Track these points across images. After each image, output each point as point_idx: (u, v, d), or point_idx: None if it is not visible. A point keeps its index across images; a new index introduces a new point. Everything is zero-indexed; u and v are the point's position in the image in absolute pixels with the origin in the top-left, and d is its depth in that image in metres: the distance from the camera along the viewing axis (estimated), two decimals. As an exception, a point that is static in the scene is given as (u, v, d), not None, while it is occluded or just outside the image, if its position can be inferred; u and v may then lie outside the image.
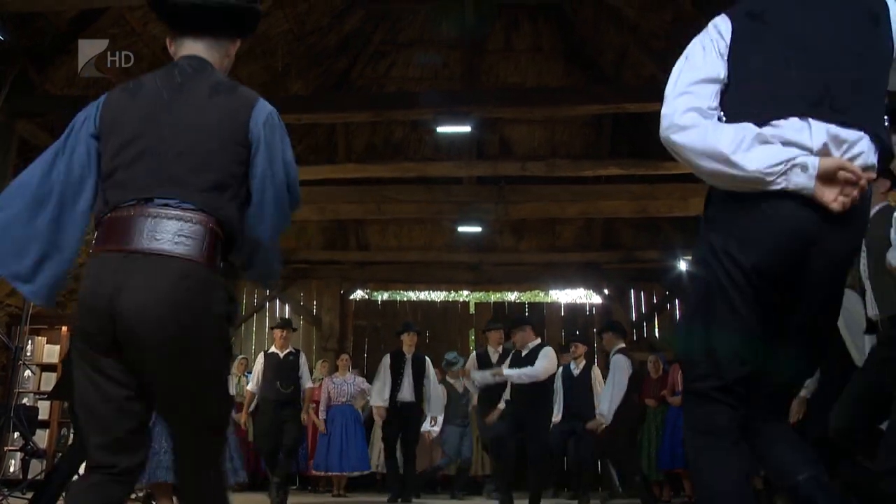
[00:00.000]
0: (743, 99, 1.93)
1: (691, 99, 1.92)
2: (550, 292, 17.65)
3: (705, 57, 1.99)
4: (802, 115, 1.85)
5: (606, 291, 12.55)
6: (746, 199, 1.87)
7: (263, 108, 2.08)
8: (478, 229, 11.16)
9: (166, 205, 1.92)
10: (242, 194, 2.05)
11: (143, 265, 1.86)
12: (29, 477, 7.57)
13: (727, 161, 1.82)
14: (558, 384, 8.46)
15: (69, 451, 5.01)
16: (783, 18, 1.97)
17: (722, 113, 1.94)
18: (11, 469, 8.45)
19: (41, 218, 2.01)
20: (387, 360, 8.12)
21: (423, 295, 15.36)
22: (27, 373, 8.80)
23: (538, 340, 6.77)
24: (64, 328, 8.93)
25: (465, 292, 15.43)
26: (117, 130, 2.02)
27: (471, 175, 10.36)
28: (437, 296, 16.59)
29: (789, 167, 1.82)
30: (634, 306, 12.58)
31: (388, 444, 8.08)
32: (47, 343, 9.08)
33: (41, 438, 8.25)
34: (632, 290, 12.58)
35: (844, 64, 1.91)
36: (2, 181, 7.12)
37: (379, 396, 7.99)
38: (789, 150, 1.83)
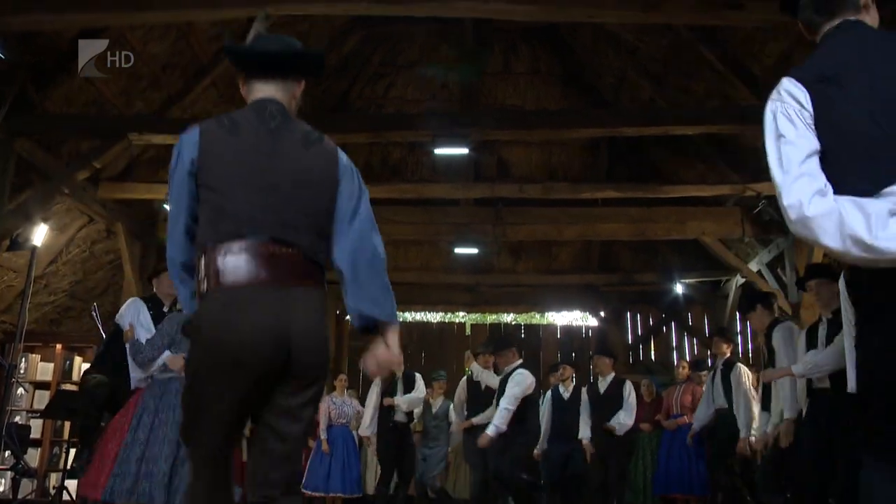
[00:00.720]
0: (844, 169, 1.85)
1: (809, 182, 1.84)
2: (547, 314, 17.65)
3: (797, 131, 1.90)
4: None
5: (603, 314, 12.55)
6: None
7: (342, 158, 2.36)
8: (475, 251, 11.16)
9: (284, 244, 2.14)
10: (330, 235, 2.29)
11: (293, 296, 2.12)
12: (19, 496, 7.50)
13: (871, 249, 1.75)
14: (547, 406, 8.43)
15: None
16: (858, 78, 1.90)
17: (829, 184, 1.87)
18: (1, 488, 8.38)
19: None
20: (377, 382, 8.07)
21: (420, 316, 15.33)
22: (20, 391, 8.76)
23: (518, 362, 6.73)
24: (58, 346, 8.90)
25: (462, 314, 15.43)
26: (219, 167, 2.19)
27: (468, 197, 10.38)
28: (434, 317, 16.59)
29: None
30: (631, 329, 12.57)
31: (385, 466, 8.00)
32: (41, 361, 9.04)
33: (33, 457, 8.19)
34: (628, 313, 12.58)
35: None
36: (0, 199, 7.14)
37: (371, 423, 7.93)
38: None
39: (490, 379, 7.31)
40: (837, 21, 2.08)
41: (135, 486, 4.16)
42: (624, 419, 7.60)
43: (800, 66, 2.03)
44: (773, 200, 8.82)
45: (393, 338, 2.27)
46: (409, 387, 8.03)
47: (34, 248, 7.40)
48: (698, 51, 7.99)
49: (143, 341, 4.69)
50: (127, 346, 4.76)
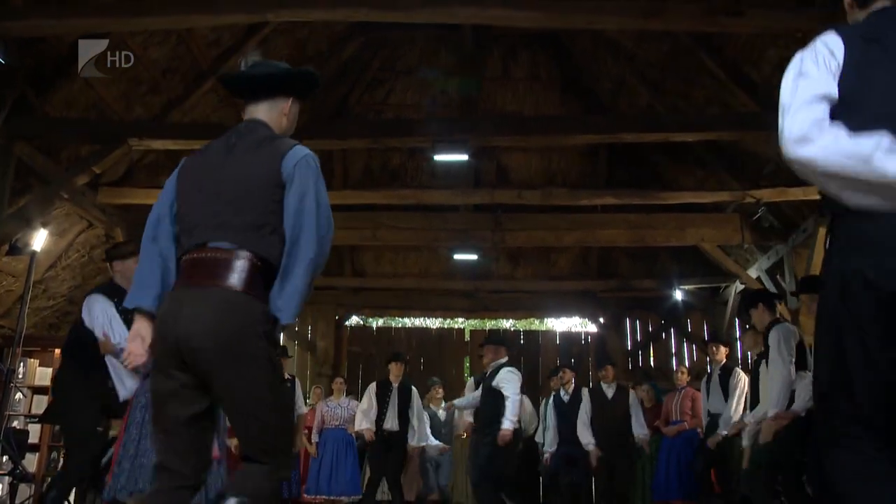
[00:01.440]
0: (864, 121, 1.82)
1: (814, 112, 1.84)
2: (546, 320, 17.64)
3: (819, 73, 1.90)
4: None
5: (602, 320, 12.54)
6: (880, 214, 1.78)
7: (297, 152, 2.43)
8: (474, 257, 11.16)
9: (216, 248, 2.36)
10: (281, 230, 2.38)
11: (193, 296, 2.31)
12: (17, 502, 7.48)
13: (867, 162, 1.74)
14: (550, 411, 8.43)
15: (59, 476, 4.95)
16: None
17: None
18: None
19: None
20: (373, 387, 8.08)
21: (419, 322, 15.32)
22: (18, 395, 8.74)
23: (505, 359, 6.74)
24: (57, 351, 8.87)
25: (461, 320, 15.40)
26: (184, 188, 2.52)
27: (467, 203, 10.38)
28: (433, 323, 16.57)
29: None
30: (630, 335, 12.56)
31: (373, 472, 8.03)
32: (40, 365, 9.02)
33: (31, 462, 8.17)
34: (627, 319, 12.57)
35: None
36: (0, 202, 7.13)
37: (365, 418, 7.92)
38: None
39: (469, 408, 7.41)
40: (880, 5, 2.08)
41: (129, 481, 4.17)
42: (641, 431, 7.83)
43: (843, 26, 2.03)
44: (772, 207, 8.84)
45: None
46: (403, 397, 8.00)
47: (33, 253, 7.40)
48: (698, 57, 8.00)
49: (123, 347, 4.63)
50: (108, 358, 4.56)
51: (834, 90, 1.88)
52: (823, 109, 1.85)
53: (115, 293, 4.74)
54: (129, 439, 4.32)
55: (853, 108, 1.86)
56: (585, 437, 7.79)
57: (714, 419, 7.12)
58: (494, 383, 6.52)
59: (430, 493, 9.05)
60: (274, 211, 2.37)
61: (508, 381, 6.48)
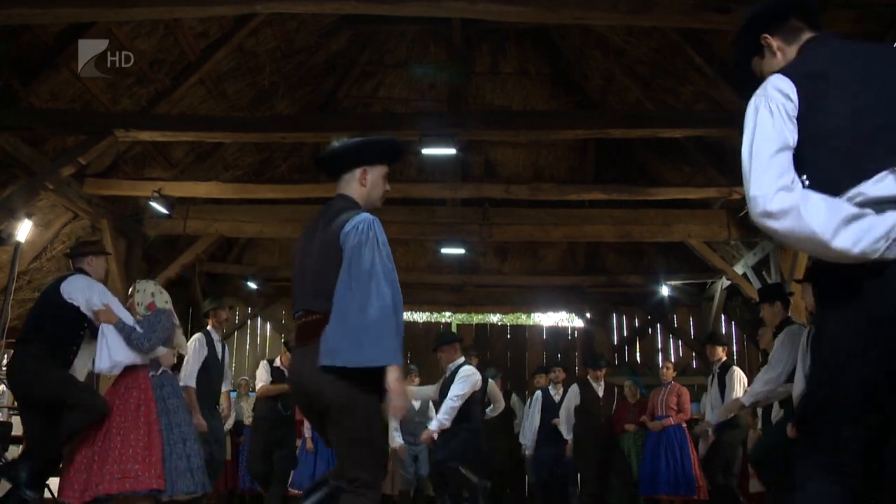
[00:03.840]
0: (823, 161, 1.88)
1: (776, 176, 1.85)
2: (533, 315, 17.68)
3: (774, 123, 1.92)
4: (892, 167, 1.80)
5: (588, 315, 12.59)
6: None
7: (351, 223, 2.74)
8: (461, 251, 11.16)
9: (309, 313, 2.81)
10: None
11: (302, 352, 2.80)
12: (0, 494, 7.42)
13: (827, 248, 1.78)
14: (536, 407, 8.46)
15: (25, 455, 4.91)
16: (846, 74, 1.93)
17: (805, 177, 1.89)
18: (-17, 486, 8.31)
19: None
20: None
21: (406, 315, 15.31)
22: (1, 387, 8.68)
23: (461, 359, 6.67)
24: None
25: (448, 314, 15.43)
26: (292, 264, 3.02)
27: (455, 197, 10.38)
28: (420, 317, 16.59)
29: (892, 240, 1.76)
30: (616, 330, 12.61)
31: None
32: (24, 358, 8.95)
33: (14, 455, 8.10)
34: (614, 315, 12.62)
35: None
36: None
37: None
38: (887, 219, 1.77)
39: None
40: (806, 36, 2.12)
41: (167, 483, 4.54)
42: None
43: (785, 67, 2.06)
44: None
45: None
46: None
47: (18, 244, 7.35)
48: (686, 53, 8.03)
49: (131, 325, 4.74)
50: (104, 328, 4.71)
51: (792, 137, 1.91)
52: (784, 168, 1.87)
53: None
54: (171, 441, 4.65)
55: (816, 147, 1.90)
56: (566, 429, 7.83)
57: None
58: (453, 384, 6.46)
59: (410, 486, 9.05)
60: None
61: (457, 381, 6.41)
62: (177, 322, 5.22)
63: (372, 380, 2.64)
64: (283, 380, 7.11)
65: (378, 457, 2.77)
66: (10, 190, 7.62)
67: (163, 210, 8.90)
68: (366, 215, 2.76)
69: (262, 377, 7.38)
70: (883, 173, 1.80)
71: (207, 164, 10.10)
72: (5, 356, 8.37)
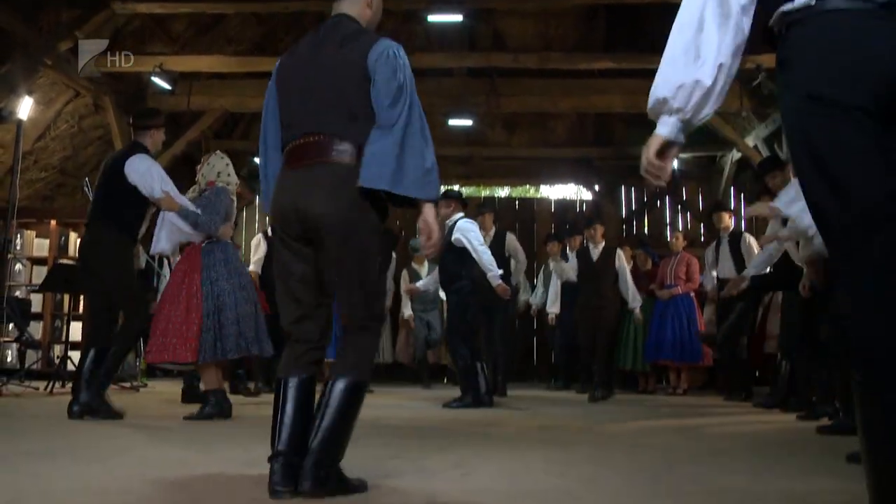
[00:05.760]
0: None
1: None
2: (541, 188, 17.65)
3: None
4: None
5: (597, 187, 12.53)
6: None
7: (379, 46, 2.50)
8: (469, 122, 11.02)
9: (316, 134, 2.48)
10: (367, 115, 2.49)
11: (302, 175, 2.48)
12: (26, 366, 7.69)
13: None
14: (555, 272, 8.46)
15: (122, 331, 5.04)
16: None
17: None
18: (9, 359, 8.59)
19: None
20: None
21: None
22: (18, 266, 8.82)
23: (461, 214, 6.58)
24: (52, 222, 8.89)
25: (456, 186, 15.38)
26: (280, 89, 2.64)
27: (462, 66, 10.15)
28: (428, 190, 16.56)
29: None
30: (625, 203, 12.59)
31: None
32: (37, 237, 9.06)
33: (35, 330, 8.34)
34: (623, 187, 12.56)
35: None
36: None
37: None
38: None
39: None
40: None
41: (214, 349, 4.81)
42: (627, 291, 7.71)
43: None
44: (772, 73, 8.65)
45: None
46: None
47: (20, 122, 7.27)
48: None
49: (194, 211, 4.92)
50: (166, 214, 4.93)
51: None
52: None
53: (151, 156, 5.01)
54: (206, 312, 4.80)
55: None
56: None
57: (723, 285, 6.92)
58: (454, 238, 6.35)
59: (422, 354, 9.32)
60: (366, 104, 2.47)
61: (468, 232, 6.35)
62: (234, 197, 5.32)
63: (380, 211, 2.51)
64: None
65: (380, 284, 2.65)
66: (8, 67, 7.47)
67: (165, 85, 8.74)
68: (391, 42, 2.55)
69: (262, 249, 7.64)
70: None
71: (209, 38, 9.85)
72: (17, 236, 8.46)
